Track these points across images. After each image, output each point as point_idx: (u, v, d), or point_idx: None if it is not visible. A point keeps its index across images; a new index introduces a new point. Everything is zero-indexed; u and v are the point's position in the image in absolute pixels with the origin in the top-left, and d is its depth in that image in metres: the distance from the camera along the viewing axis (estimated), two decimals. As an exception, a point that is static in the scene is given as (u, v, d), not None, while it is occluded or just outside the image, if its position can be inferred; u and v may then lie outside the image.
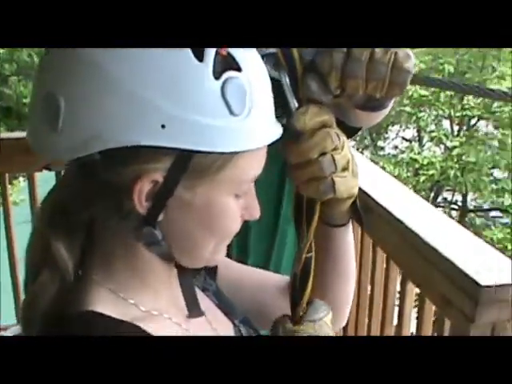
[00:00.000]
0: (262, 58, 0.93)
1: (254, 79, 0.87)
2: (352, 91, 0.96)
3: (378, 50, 0.93)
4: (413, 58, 0.95)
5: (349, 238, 1.16)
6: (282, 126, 0.95)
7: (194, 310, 1.02)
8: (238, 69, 0.84)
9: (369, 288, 2.45)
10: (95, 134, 0.81)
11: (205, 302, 1.11)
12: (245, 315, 1.18)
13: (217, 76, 0.82)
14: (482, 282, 1.53)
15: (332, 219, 1.10)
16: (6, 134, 3.99)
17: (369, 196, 2.17)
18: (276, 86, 0.95)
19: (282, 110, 0.97)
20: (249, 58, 0.87)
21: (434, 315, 2.01)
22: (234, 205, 0.91)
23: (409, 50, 0.95)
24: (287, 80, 0.98)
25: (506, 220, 12.82)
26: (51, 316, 0.89)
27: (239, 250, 1.67)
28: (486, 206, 13.84)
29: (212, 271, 1.18)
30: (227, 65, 0.84)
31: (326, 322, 1.04)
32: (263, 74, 0.90)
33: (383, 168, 10.85)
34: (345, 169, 0.99)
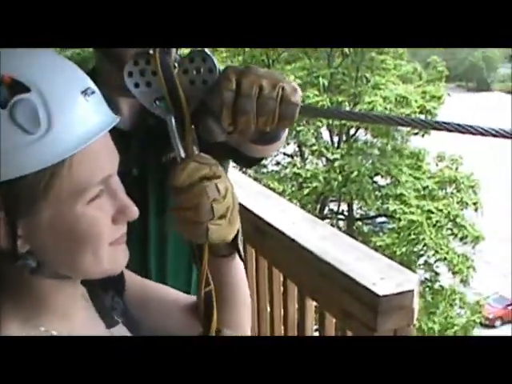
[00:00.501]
0: (154, 101, 0.98)
1: (50, 92, 0.86)
2: (244, 127, 0.97)
3: (265, 86, 0.95)
4: (299, 91, 0.97)
5: (233, 270, 1.16)
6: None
7: (109, 320, 1.05)
8: (26, 90, 0.84)
9: (268, 309, 2.45)
10: None
11: (112, 321, 1.12)
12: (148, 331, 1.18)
13: (3, 105, 0.82)
14: (380, 292, 1.55)
15: (214, 250, 1.09)
16: None
17: (260, 218, 2.17)
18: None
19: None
20: (41, 74, 0.87)
21: (334, 329, 2.03)
22: (89, 212, 0.90)
23: (295, 84, 0.98)
24: (173, 124, 0.99)
25: (392, 225, 13.20)
26: None
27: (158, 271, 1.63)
28: (372, 214, 14.22)
29: (119, 288, 1.17)
30: (12, 90, 0.83)
31: None
32: (67, 80, 0.89)
33: (268, 185, 10.99)
34: (222, 217, 0.99)
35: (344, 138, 14.37)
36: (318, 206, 13.98)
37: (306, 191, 12.62)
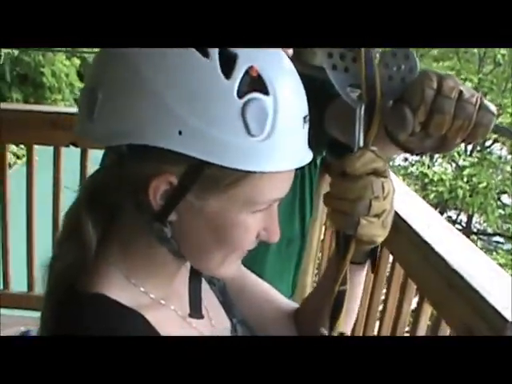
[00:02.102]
0: (348, 87, 0.99)
1: (283, 104, 0.87)
2: (435, 128, 0.96)
3: (465, 92, 0.95)
4: (493, 105, 0.98)
5: (359, 278, 1.17)
6: (337, 156, 0.98)
7: (195, 311, 1.06)
8: (265, 92, 0.85)
9: (381, 306, 2.42)
10: (121, 129, 0.87)
11: (209, 296, 1.17)
12: (242, 317, 1.21)
13: (241, 95, 0.84)
14: (510, 318, 1.49)
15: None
16: (34, 107, 4.11)
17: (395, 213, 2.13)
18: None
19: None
20: (283, 82, 0.88)
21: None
22: (248, 222, 0.93)
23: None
24: (362, 114, 0.99)
25: (507, 246, 12.80)
26: (63, 286, 0.96)
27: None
28: (489, 231, 13.82)
29: None
30: (254, 86, 0.85)
31: None
32: (298, 101, 0.91)
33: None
34: (377, 216, 0.99)
35: (478, 148, 13.98)
36: (437, 211, 13.70)
37: (431, 195, 12.37)
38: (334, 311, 1.05)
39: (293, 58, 1.00)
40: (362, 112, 0.99)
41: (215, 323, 1.13)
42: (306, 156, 0.94)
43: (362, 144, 1.00)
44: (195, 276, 1.07)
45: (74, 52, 16.98)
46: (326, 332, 1.04)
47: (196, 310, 1.06)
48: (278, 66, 0.89)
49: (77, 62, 17.87)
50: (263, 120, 0.85)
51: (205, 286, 1.17)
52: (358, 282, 1.17)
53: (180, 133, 0.83)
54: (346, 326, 1.14)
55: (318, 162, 2.09)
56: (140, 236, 0.98)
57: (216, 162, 0.85)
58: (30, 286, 3.18)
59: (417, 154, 1.12)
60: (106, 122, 0.89)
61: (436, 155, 14.04)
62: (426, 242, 1.94)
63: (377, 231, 1.01)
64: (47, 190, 3.02)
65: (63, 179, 3.04)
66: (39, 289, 1.01)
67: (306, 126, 0.93)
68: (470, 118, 0.94)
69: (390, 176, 1.01)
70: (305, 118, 0.92)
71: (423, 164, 13.25)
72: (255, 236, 0.97)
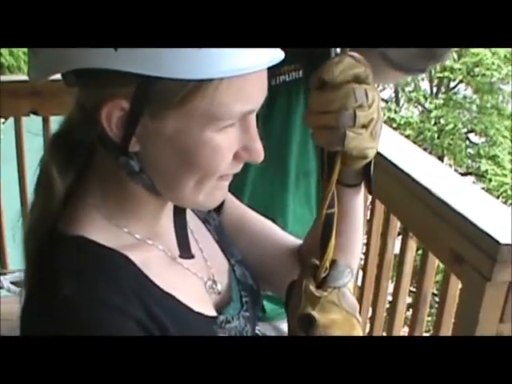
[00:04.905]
0: None
1: None
2: None
3: None
4: None
5: (356, 201, 1.10)
6: (314, 68, 0.92)
7: (184, 250, 1.01)
8: None
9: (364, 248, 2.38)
10: (58, 55, 0.83)
11: (204, 235, 1.11)
12: (242, 256, 1.16)
13: None
14: (502, 240, 1.46)
15: (341, 177, 1.02)
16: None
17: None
18: None
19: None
20: None
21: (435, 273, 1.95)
22: (215, 141, 0.85)
23: None
24: None
25: (480, 185, 12.90)
26: (41, 231, 0.92)
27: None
28: (460, 171, 13.92)
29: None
30: None
31: (349, 289, 0.97)
32: None
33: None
34: (364, 126, 0.93)
35: (443, 89, 14.00)
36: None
37: (398, 137, 12.42)
38: (323, 237, 0.97)
39: None
40: None
41: (211, 264, 1.08)
42: (272, 56, 0.85)
43: (338, 50, 0.93)
44: (179, 213, 1.01)
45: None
46: (316, 262, 0.97)
47: (184, 250, 1.01)
48: None
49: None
50: None
51: (199, 224, 1.12)
52: (355, 207, 1.10)
53: (115, 49, 0.77)
54: (344, 254, 1.07)
55: None
56: (112, 174, 0.93)
57: (160, 74, 0.78)
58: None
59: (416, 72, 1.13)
60: (46, 51, 0.85)
61: (401, 101, 14.09)
62: (406, 174, 1.90)
63: (366, 143, 0.94)
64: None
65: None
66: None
67: None
68: None
69: (373, 82, 0.94)
70: None
71: (390, 109, 13.24)
72: (231, 156, 0.88)
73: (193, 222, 1.10)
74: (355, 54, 0.93)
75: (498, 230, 1.50)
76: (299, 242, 1.22)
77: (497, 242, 1.46)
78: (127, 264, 0.91)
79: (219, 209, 1.17)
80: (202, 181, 0.88)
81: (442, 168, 2.05)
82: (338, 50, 0.93)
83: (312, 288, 0.94)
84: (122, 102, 0.82)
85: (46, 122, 2.94)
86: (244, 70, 0.80)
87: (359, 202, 1.10)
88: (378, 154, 1.96)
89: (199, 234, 1.09)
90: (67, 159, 0.93)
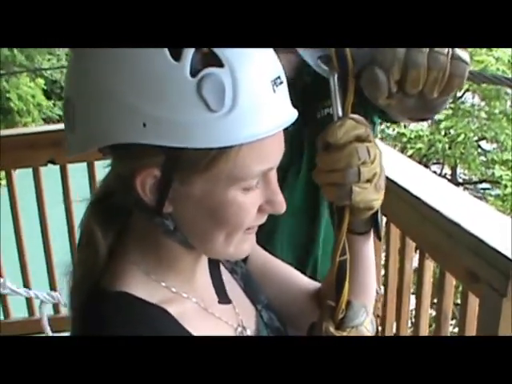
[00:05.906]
0: (317, 59, 0.97)
1: (242, 73, 0.85)
2: (412, 84, 0.95)
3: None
4: (467, 53, 0.96)
5: (366, 248, 1.16)
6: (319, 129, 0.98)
7: (222, 297, 1.09)
8: (220, 64, 0.83)
9: (382, 271, 2.42)
10: (94, 133, 0.89)
11: (232, 285, 1.17)
12: (268, 300, 1.21)
13: (194, 74, 0.82)
14: (513, 258, 1.51)
15: (351, 226, 1.08)
16: (8, 131, 4.08)
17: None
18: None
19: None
20: (238, 53, 0.85)
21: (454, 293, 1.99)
22: (239, 199, 0.92)
23: None
24: (336, 83, 0.99)
25: (495, 192, 12.84)
26: (85, 289, 0.99)
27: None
28: (475, 179, 13.88)
29: None
30: (207, 61, 0.83)
31: (365, 327, 1.05)
32: (261, 66, 0.88)
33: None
34: (368, 181, 0.99)
35: (451, 99, 13.99)
36: (421, 168, 13.74)
37: (409, 152, 12.38)
38: (338, 282, 1.04)
39: None
40: (336, 81, 0.98)
41: (239, 311, 1.13)
42: (287, 117, 0.91)
43: (340, 113, 0.99)
44: (213, 264, 1.10)
45: (36, 72, 16.87)
46: (333, 304, 1.04)
47: (222, 297, 1.09)
48: None
49: (41, 81, 17.77)
50: (221, 93, 0.83)
51: (227, 275, 1.18)
52: (366, 252, 1.16)
53: (144, 125, 0.84)
54: (358, 295, 1.13)
55: None
56: (149, 233, 1.00)
57: (185, 145, 0.84)
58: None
59: (417, 121, 1.14)
60: (82, 129, 0.90)
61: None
62: (418, 198, 1.95)
63: (371, 196, 1.00)
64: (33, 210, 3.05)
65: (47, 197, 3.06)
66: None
67: (281, 88, 0.90)
68: (443, 68, 0.93)
69: (374, 140, 1.00)
70: (275, 80, 0.89)
71: (399, 125, 13.25)
72: (255, 211, 0.95)
73: (223, 273, 1.17)
74: (356, 116, 0.99)
75: (509, 247, 1.55)
76: (318, 285, 1.28)
77: (510, 260, 1.51)
78: (167, 318, 0.98)
79: (245, 258, 1.22)
80: (230, 234, 0.95)
81: (451, 189, 2.10)
82: (340, 112, 0.99)
83: (332, 329, 1.02)
84: (153, 170, 0.89)
85: (63, 170, 3.03)
86: (261, 134, 0.87)
87: (369, 247, 1.16)
88: (390, 180, 2.05)
89: (228, 284, 1.15)
90: (108, 221, 1.00)
